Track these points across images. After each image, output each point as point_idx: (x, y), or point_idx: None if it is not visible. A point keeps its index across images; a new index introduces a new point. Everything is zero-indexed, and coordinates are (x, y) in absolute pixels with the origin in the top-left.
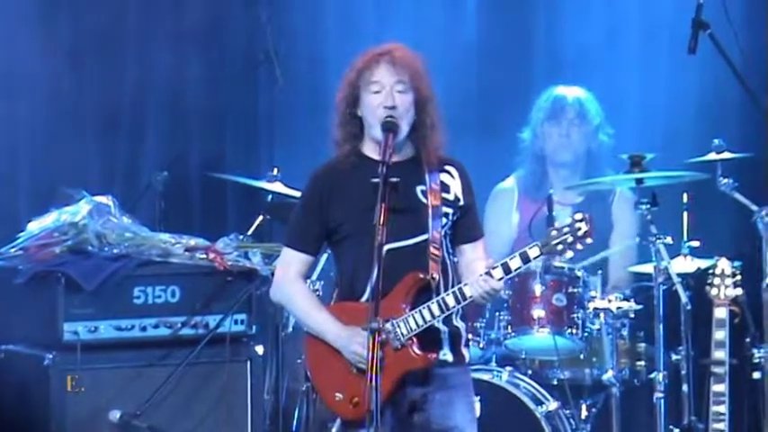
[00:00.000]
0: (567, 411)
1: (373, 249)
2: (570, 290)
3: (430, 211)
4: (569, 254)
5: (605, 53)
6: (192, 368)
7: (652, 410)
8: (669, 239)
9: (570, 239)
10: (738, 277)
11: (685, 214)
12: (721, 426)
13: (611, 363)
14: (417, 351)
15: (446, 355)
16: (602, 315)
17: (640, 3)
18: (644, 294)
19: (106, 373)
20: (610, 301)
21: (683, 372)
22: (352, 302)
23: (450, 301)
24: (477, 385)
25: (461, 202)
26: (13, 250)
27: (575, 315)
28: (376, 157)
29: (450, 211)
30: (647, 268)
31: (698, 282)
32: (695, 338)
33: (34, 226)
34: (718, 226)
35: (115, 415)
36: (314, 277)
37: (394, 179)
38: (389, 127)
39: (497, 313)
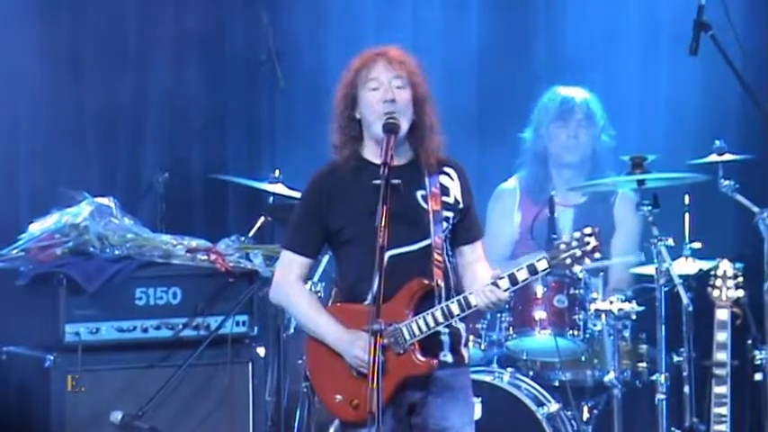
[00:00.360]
0: (569, 413)
1: (375, 253)
2: (571, 291)
3: (431, 216)
4: (577, 268)
5: (606, 54)
6: (193, 369)
7: (654, 412)
8: (671, 241)
9: (579, 254)
10: (740, 279)
11: (687, 216)
12: (723, 427)
13: (612, 364)
14: (420, 357)
15: (446, 356)
16: (603, 316)
17: (641, 4)
18: (646, 296)
19: (107, 375)
20: (611, 302)
21: (685, 373)
22: (352, 305)
23: (455, 309)
24: (478, 386)
25: (461, 205)
26: (14, 252)
27: (576, 316)
28: (376, 160)
29: (450, 214)
30: (649, 270)
31: (699, 283)
32: (697, 340)
33: (35, 227)
34: (720, 227)
35: (116, 416)
36: (315, 279)
37: (395, 181)
38: (390, 128)
39: (499, 315)
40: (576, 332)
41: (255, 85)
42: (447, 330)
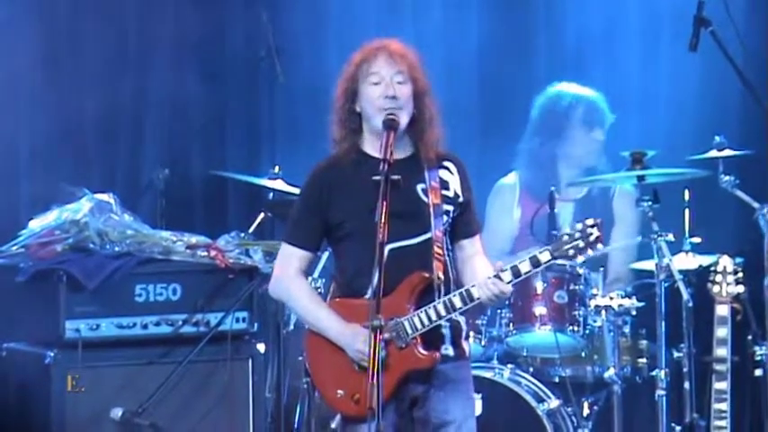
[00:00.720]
0: (569, 409)
1: (375, 248)
2: (572, 287)
3: (431, 210)
4: (580, 259)
5: (607, 50)
6: (193, 366)
7: (654, 408)
8: (671, 236)
9: (582, 245)
10: (740, 274)
11: (687, 211)
12: (723, 423)
13: (612, 360)
14: (422, 351)
15: (448, 349)
16: (603, 312)
17: (641, 0)
18: (646, 291)
19: (108, 371)
20: (611, 298)
21: (685, 369)
22: (353, 299)
23: (457, 301)
24: (478, 383)
25: (461, 199)
26: (14, 248)
27: (576, 312)
28: (376, 154)
29: (450, 208)
30: (649, 265)
31: (699, 279)
32: (697, 336)
33: (36, 224)
34: (720, 223)
35: (117, 413)
36: (315, 275)
37: (395, 177)
38: (390, 124)
39: (499, 311)
40: (576, 328)
41: (255, 82)
42: (448, 324)
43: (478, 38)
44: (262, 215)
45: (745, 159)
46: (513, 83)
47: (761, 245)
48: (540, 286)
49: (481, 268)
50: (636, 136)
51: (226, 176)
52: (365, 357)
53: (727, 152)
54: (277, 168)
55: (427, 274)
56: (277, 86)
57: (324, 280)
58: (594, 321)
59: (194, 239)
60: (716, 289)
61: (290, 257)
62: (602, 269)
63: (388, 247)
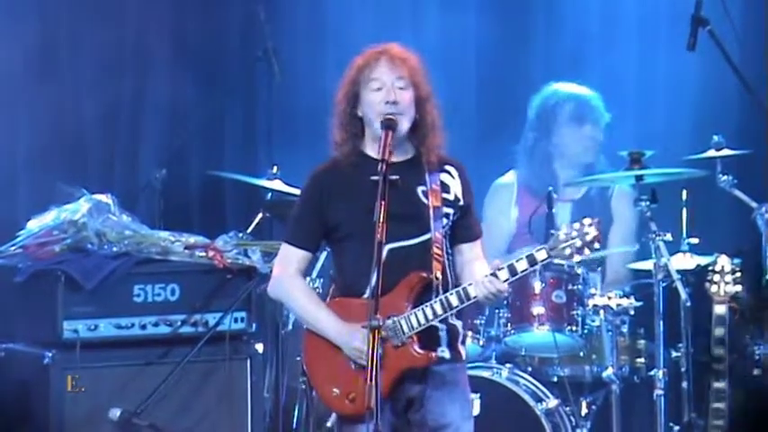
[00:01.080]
0: (567, 408)
1: (374, 248)
2: (570, 287)
3: (431, 211)
4: (577, 258)
5: (604, 50)
6: (191, 366)
7: (652, 407)
8: (669, 236)
9: (579, 244)
10: (738, 274)
11: (685, 211)
12: (721, 422)
13: (610, 360)
14: (418, 349)
15: (444, 351)
16: (601, 312)
17: None
18: (644, 291)
19: (106, 372)
20: (609, 298)
21: (683, 369)
22: (351, 299)
23: (454, 300)
24: (476, 382)
25: (461, 203)
26: (12, 248)
27: (574, 312)
28: (377, 156)
29: (450, 211)
30: (647, 265)
31: (698, 279)
32: (695, 335)
33: (34, 224)
34: (718, 223)
35: (115, 413)
36: (314, 275)
37: (394, 177)
38: (388, 124)
39: (497, 310)
40: (574, 328)
41: (252, 82)
42: (444, 327)
43: (477, 38)
44: (260, 215)
45: (743, 159)
46: (511, 84)
47: (759, 244)
48: (538, 286)
49: (480, 273)
50: (634, 136)
51: (224, 177)
52: (362, 355)
53: (725, 152)
54: (275, 168)
55: (425, 274)
56: (274, 86)
57: (322, 280)
58: (593, 321)
59: (192, 240)
60: (714, 288)
61: (290, 258)
62: (600, 269)
63: (387, 247)
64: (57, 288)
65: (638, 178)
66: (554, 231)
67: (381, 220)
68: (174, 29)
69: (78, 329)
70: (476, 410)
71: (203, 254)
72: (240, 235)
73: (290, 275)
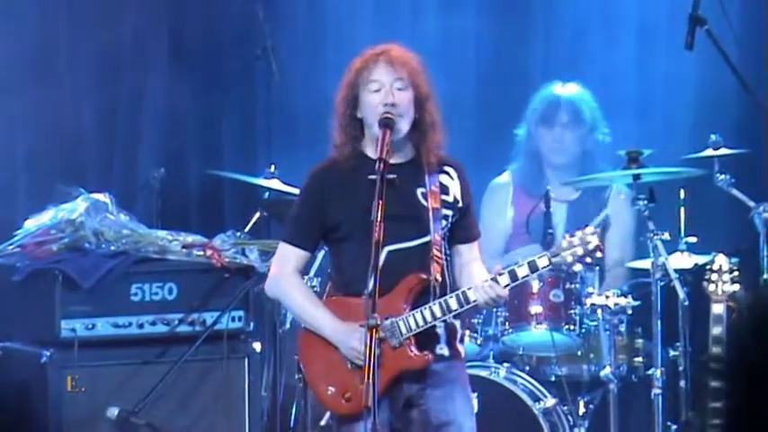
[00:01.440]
0: (565, 408)
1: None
2: (567, 286)
3: (431, 213)
4: (578, 267)
5: (602, 49)
6: (189, 365)
7: (650, 406)
8: (666, 235)
9: (581, 252)
10: (736, 273)
11: (682, 210)
12: (719, 422)
13: (608, 359)
14: (415, 351)
15: (442, 349)
16: (599, 311)
17: None
18: (641, 290)
19: (104, 371)
20: (607, 297)
21: (681, 368)
22: (349, 298)
23: (453, 304)
24: (474, 382)
25: (460, 204)
26: (10, 248)
27: (572, 311)
28: (376, 157)
29: (449, 213)
30: (645, 264)
31: (695, 278)
32: (693, 334)
33: (31, 223)
34: (716, 222)
35: (113, 412)
36: (311, 274)
37: (391, 176)
38: (386, 123)
39: (494, 310)
40: (572, 327)
41: (251, 81)
42: (442, 324)
43: (476, 38)
44: (258, 214)
45: (740, 158)
46: (509, 81)
47: (756, 244)
48: (535, 285)
49: (478, 274)
50: (632, 135)
51: (222, 176)
52: (359, 355)
53: (723, 151)
54: (273, 167)
55: (424, 276)
56: (273, 85)
57: (319, 279)
58: (590, 320)
59: (190, 239)
60: (711, 288)
61: (288, 257)
62: (597, 268)
63: (386, 249)
64: (54, 287)
65: (636, 177)
66: (551, 231)
67: (378, 219)
68: (173, 28)
69: (76, 328)
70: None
71: (201, 253)
72: (238, 234)
73: (288, 274)
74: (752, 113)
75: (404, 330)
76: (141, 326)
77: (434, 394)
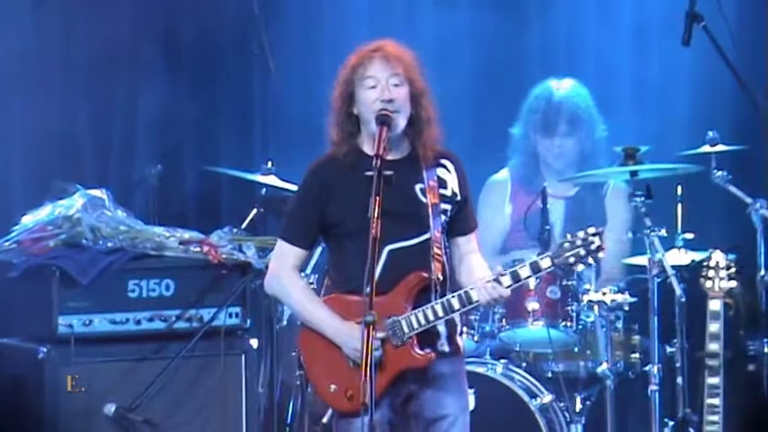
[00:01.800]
0: (562, 404)
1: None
2: (564, 282)
3: (430, 210)
4: (580, 267)
5: (599, 45)
6: (186, 362)
7: (646, 403)
8: (663, 232)
9: (583, 253)
10: (732, 270)
11: (679, 207)
12: (716, 418)
13: (605, 355)
14: (418, 350)
15: (443, 345)
16: (596, 308)
17: None
18: (638, 287)
19: (101, 367)
20: (604, 293)
21: (678, 364)
22: (349, 296)
23: (456, 303)
24: (471, 378)
25: (458, 197)
26: (7, 244)
27: (569, 308)
28: (373, 153)
29: (448, 207)
30: (642, 261)
31: (692, 274)
32: (690, 331)
33: (28, 219)
34: (713, 218)
35: (110, 408)
36: (308, 270)
37: (388, 172)
38: (383, 120)
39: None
40: (568, 323)
41: (248, 77)
42: (443, 321)
43: (471, 35)
44: (255, 211)
45: (737, 154)
46: (505, 77)
47: (753, 240)
48: (532, 282)
49: (477, 266)
50: (628, 131)
51: (219, 172)
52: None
53: (720, 147)
54: (270, 164)
55: (425, 275)
56: (270, 81)
57: (317, 275)
58: (587, 316)
59: (187, 235)
60: (708, 284)
61: (286, 254)
62: (594, 265)
63: (387, 248)
64: (51, 283)
65: (633, 174)
66: (549, 227)
67: (376, 215)
68: (169, 24)
69: (73, 324)
70: (470, 406)
71: (198, 249)
72: (235, 230)
73: (286, 272)
74: (749, 110)
75: (406, 329)
76: (138, 322)
77: (431, 389)
